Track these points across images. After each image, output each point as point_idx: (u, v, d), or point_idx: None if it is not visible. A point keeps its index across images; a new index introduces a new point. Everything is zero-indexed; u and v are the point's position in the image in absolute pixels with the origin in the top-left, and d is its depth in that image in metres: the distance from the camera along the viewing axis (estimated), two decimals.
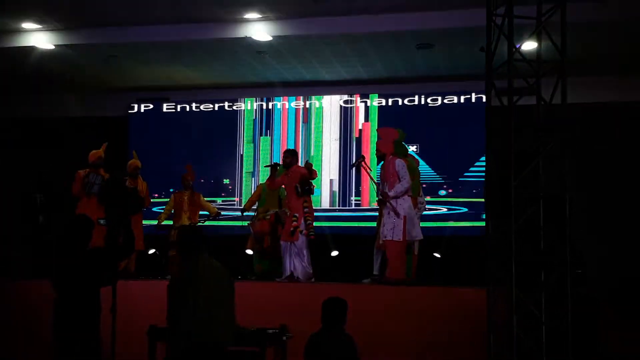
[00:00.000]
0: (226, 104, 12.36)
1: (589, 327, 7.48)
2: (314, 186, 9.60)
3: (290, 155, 9.60)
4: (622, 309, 8.26)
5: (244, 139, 12.24)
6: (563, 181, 6.24)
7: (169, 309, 5.30)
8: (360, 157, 9.80)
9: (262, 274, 9.93)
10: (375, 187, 9.18)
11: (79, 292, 5.43)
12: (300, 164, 9.68)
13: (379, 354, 7.83)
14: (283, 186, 9.62)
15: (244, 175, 12.22)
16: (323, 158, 11.99)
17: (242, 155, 12.25)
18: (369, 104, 11.92)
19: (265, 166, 10.33)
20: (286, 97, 12.20)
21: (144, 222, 10.17)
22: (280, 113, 12.20)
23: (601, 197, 12.24)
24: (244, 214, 10.38)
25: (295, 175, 9.37)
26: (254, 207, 10.28)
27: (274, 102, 12.23)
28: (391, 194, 8.74)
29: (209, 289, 5.06)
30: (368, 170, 9.40)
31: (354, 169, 10.24)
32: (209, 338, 4.98)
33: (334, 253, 10.89)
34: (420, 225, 9.27)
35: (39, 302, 7.45)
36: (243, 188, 12.19)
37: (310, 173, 9.57)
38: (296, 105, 12.16)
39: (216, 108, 12.37)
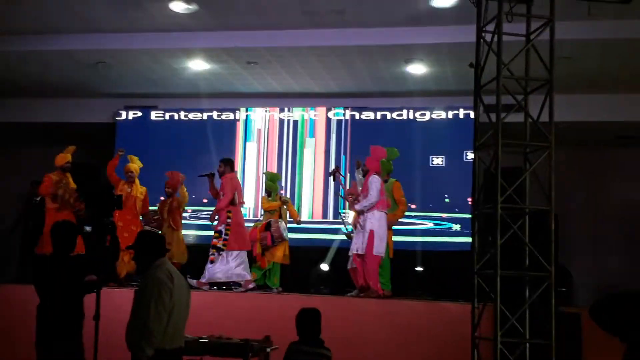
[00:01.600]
0: (214, 113, 12.33)
1: (573, 344, 7.50)
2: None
3: (224, 164, 9.77)
4: None
5: (233, 148, 12.19)
6: (549, 197, 6.27)
7: None
8: (334, 167, 9.95)
9: (256, 282, 9.92)
10: (343, 199, 9.41)
11: (62, 298, 5.41)
12: (233, 172, 9.93)
13: None
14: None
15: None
16: (305, 169, 11.97)
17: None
18: (357, 117, 11.92)
19: (199, 175, 10.38)
20: (274, 108, 12.19)
21: None
22: (269, 123, 12.17)
23: (590, 214, 12.35)
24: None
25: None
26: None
27: (264, 112, 12.20)
28: (357, 207, 8.98)
29: (136, 297, 5.01)
30: (340, 181, 9.62)
31: (331, 178, 10.36)
32: (129, 346, 4.94)
33: (324, 267, 10.89)
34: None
35: (22, 307, 7.42)
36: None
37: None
38: (284, 116, 12.15)
39: (205, 117, 12.33)
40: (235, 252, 9.49)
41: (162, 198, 10.56)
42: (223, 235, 9.48)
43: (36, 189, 11.42)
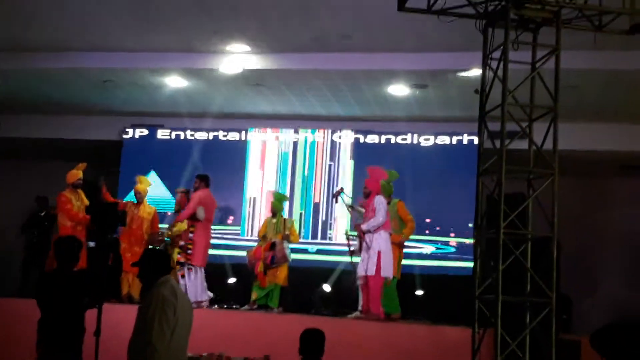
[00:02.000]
0: (220, 133, 12.39)
1: None
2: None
3: (199, 180, 10.03)
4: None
5: (239, 167, 12.24)
6: (552, 224, 6.29)
7: None
8: (340, 188, 9.96)
9: (258, 303, 9.95)
10: (350, 217, 9.40)
11: (63, 313, 5.43)
12: (207, 189, 10.04)
13: None
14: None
15: (244, 203, 12.18)
16: (310, 191, 12.00)
17: (242, 184, 12.21)
18: (361, 140, 11.98)
19: (176, 190, 10.59)
20: (277, 130, 12.25)
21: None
22: (273, 144, 12.23)
23: (592, 241, 12.34)
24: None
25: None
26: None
27: (269, 133, 12.27)
28: (364, 227, 9.00)
29: (140, 313, 5.05)
30: (346, 201, 9.63)
31: (334, 200, 10.39)
32: None
33: (326, 288, 10.89)
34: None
35: (24, 320, 7.43)
36: (242, 216, 12.14)
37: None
38: (289, 137, 12.20)
39: (211, 137, 12.40)
40: (198, 270, 9.59)
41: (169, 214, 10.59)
42: (186, 251, 9.62)
43: (42, 203, 11.48)
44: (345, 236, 9.99)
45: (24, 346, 6.35)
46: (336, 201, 10.17)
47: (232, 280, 10.80)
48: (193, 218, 9.73)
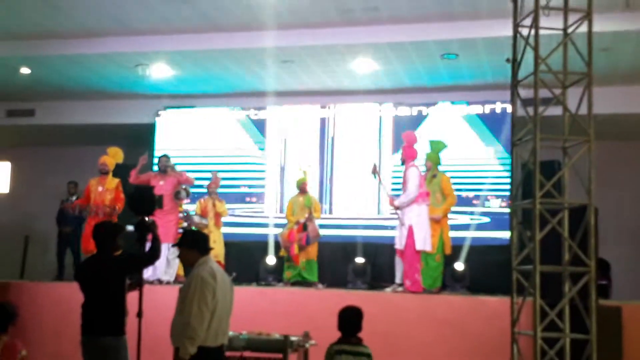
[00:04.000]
0: (252, 111, 12.42)
1: (613, 338, 7.43)
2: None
3: (167, 160, 10.23)
4: None
5: (270, 145, 12.28)
6: (589, 192, 6.22)
7: None
8: (373, 165, 9.85)
9: (291, 280, 10.05)
10: (386, 194, 9.35)
11: (106, 296, 5.52)
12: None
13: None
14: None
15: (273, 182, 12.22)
16: (342, 165, 12.00)
17: (282, 166, 12.21)
18: (394, 113, 11.92)
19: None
20: (309, 104, 12.23)
21: None
22: (306, 121, 12.22)
23: (630, 207, 12.18)
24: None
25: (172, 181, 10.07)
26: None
27: (300, 110, 12.26)
28: (396, 203, 8.95)
29: (180, 295, 5.12)
30: (380, 177, 9.55)
31: (374, 176, 10.25)
32: (174, 343, 5.06)
33: (359, 260, 10.93)
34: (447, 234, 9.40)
35: (67, 304, 7.59)
36: (270, 195, 12.20)
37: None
38: (322, 114, 12.18)
39: (242, 115, 12.44)
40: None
41: (203, 198, 10.65)
42: None
43: (73, 189, 11.63)
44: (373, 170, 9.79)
45: (70, 330, 6.47)
46: (375, 177, 9.93)
47: (271, 259, 10.87)
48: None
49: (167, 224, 9.42)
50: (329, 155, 12.03)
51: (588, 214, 6.18)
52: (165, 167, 10.18)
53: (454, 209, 10.04)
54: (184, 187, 10.14)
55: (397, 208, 9.07)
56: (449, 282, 10.08)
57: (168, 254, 9.44)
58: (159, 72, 11.35)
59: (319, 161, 12.00)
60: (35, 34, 10.31)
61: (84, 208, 10.09)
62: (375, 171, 9.60)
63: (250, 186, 12.17)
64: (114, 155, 10.41)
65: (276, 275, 10.60)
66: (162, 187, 9.81)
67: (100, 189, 10.18)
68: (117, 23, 9.87)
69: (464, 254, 10.30)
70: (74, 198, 11.30)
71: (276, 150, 12.24)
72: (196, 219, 10.17)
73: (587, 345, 6.01)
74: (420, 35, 9.72)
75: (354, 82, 11.68)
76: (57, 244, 11.33)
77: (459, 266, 10.19)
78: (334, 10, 9.27)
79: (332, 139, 12.07)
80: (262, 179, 12.22)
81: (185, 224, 10.04)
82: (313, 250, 10.06)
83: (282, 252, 10.26)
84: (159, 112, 12.67)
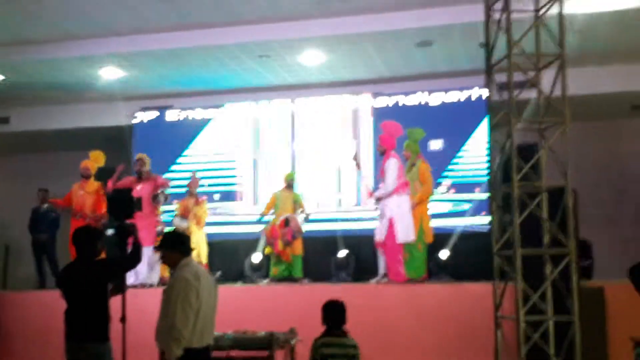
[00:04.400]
0: (229, 109, 12.35)
1: (597, 319, 7.47)
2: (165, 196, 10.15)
3: (142, 164, 10.11)
4: (631, 301, 8.25)
5: (252, 144, 12.22)
6: (566, 173, 6.24)
7: None
8: (354, 154, 9.80)
9: (278, 277, 10.02)
10: (364, 187, 9.30)
11: (88, 302, 5.47)
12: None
13: (387, 350, 7.88)
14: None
15: (254, 180, 12.17)
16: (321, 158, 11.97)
17: (255, 161, 12.18)
18: (371, 104, 11.90)
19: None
20: (288, 100, 12.18)
21: None
22: (286, 115, 12.17)
23: (608, 186, 12.26)
24: (262, 220, 10.59)
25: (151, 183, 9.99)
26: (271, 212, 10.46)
27: (279, 105, 12.22)
28: (376, 194, 8.92)
29: (164, 297, 5.10)
30: (358, 167, 9.51)
31: (355, 166, 10.17)
32: (159, 346, 5.04)
33: (342, 253, 10.93)
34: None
35: (49, 312, 7.52)
36: (253, 193, 12.15)
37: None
38: (302, 107, 12.14)
39: (220, 114, 12.36)
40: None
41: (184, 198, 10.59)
42: None
43: (43, 196, 11.50)
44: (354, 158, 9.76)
45: (53, 337, 6.41)
46: (358, 168, 9.86)
47: (257, 257, 10.84)
48: None
49: (147, 227, 9.35)
50: (309, 149, 11.99)
51: (566, 196, 6.21)
52: (140, 171, 10.10)
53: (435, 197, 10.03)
54: (161, 191, 10.07)
55: (375, 199, 9.07)
56: (434, 270, 10.10)
57: (149, 257, 9.38)
58: (134, 72, 11.27)
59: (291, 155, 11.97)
60: (8, 40, 10.21)
61: (57, 207, 10.01)
62: (355, 159, 9.60)
63: (227, 184, 12.10)
64: (95, 159, 10.36)
65: (261, 272, 10.58)
66: (139, 191, 9.74)
67: (81, 192, 10.12)
68: (91, 24, 9.79)
69: (450, 242, 10.32)
70: (45, 205, 11.21)
71: (249, 146, 12.17)
72: (176, 220, 10.12)
73: (570, 326, 6.04)
74: (396, 24, 9.70)
75: (332, 74, 11.64)
76: (33, 252, 11.21)
77: (444, 254, 10.21)
78: (309, 3, 9.24)
79: (310, 132, 12.03)
80: (238, 176, 12.15)
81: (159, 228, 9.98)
82: (298, 246, 10.04)
83: (268, 249, 10.23)
84: (136, 114, 12.58)
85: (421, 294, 8.43)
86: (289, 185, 10.46)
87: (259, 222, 10.70)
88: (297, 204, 10.29)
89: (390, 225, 8.77)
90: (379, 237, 8.97)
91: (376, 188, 9.32)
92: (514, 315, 6.07)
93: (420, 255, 9.27)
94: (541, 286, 6.22)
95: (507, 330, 6.35)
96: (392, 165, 8.94)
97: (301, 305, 8.23)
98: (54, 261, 10.75)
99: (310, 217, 10.50)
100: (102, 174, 10.32)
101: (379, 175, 9.13)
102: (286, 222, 9.96)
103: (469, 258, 9.90)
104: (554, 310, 6.30)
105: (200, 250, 9.98)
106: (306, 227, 10.32)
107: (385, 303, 8.38)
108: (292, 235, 9.88)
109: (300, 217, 10.05)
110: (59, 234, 10.97)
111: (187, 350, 4.94)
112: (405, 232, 8.82)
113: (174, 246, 5.23)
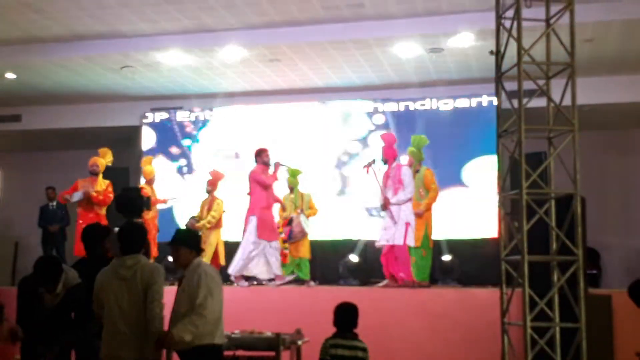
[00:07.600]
0: (238, 110, 12.41)
1: (604, 327, 7.48)
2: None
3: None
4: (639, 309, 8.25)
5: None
6: (575, 181, 6.26)
7: None
8: (372, 160, 9.81)
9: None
10: (380, 191, 9.28)
11: None
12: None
13: (393, 355, 7.90)
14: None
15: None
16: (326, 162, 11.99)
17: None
18: (380, 109, 11.94)
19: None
20: (297, 103, 12.24)
21: None
22: (297, 118, 12.22)
23: (617, 195, 12.25)
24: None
25: None
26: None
27: (288, 108, 12.27)
28: (393, 200, 8.97)
29: (179, 293, 5.11)
30: (376, 174, 9.50)
31: (366, 171, 10.15)
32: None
33: (353, 258, 10.96)
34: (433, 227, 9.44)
35: None
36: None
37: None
38: (310, 111, 12.19)
39: (230, 115, 12.43)
40: None
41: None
42: None
43: (51, 194, 11.56)
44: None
45: None
46: (367, 172, 9.87)
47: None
48: None
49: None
50: (316, 152, 12.04)
51: (574, 203, 6.22)
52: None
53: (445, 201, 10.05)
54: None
55: (392, 205, 9.02)
56: (439, 275, 10.12)
57: None
58: (146, 73, 11.34)
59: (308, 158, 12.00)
60: (20, 39, 10.30)
61: (65, 199, 9.98)
62: (369, 166, 9.54)
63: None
64: (104, 156, 10.35)
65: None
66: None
67: (90, 190, 10.12)
68: (102, 25, 9.86)
69: (447, 246, 10.38)
70: (53, 203, 11.25)
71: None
72: (191, 220, 10.16)
73: (577, 333, 6.04)
74: (407, 30, 9.74)
75: (341, 79, 11.68)
76: (42, 245, 11.24)
77: (446, 257, 10.24)
78: (319, 8, 9.28)
79: (318, 135, 12.08)
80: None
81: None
82: (305, 249, 10.02)
83: None
84: (146, 114, 12.65)
85: (428, 298, 8.45)
86: (290, 188, 10.41)
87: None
88: (304, 204, 10.21)
89: (406, 229, 8.86)
90: (388, 240, 8.96)
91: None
92: (520, 321, 6.07)
93: (425, 260, 9.33)
94: (548, 293, 6.22)
95: (513, 336, 6.35)
96: (408, 173, 9.11)
97: (308, 307, 8.27)
98: (62, 255, 10.81)
99: (318, 220, 10.50)
100: (109, 173, 10.33)
101: (388, 182, 9.16)
102: (289, 222, 9.99)
103: (477, 264, 9.92)
104: (561, 317, 6.30)
105: (217, 251, 10.00)
106: (312, 230, 10.30)
107: (392, 307, 8.40)
108: (289, 236, 9.86)
109: (304, 219, 10.01)
110: (68, 230, 11.08)
111: (213, 346, 4.96)
112: (413, 237, 8.95)
113: (188, 243, 5.18)
